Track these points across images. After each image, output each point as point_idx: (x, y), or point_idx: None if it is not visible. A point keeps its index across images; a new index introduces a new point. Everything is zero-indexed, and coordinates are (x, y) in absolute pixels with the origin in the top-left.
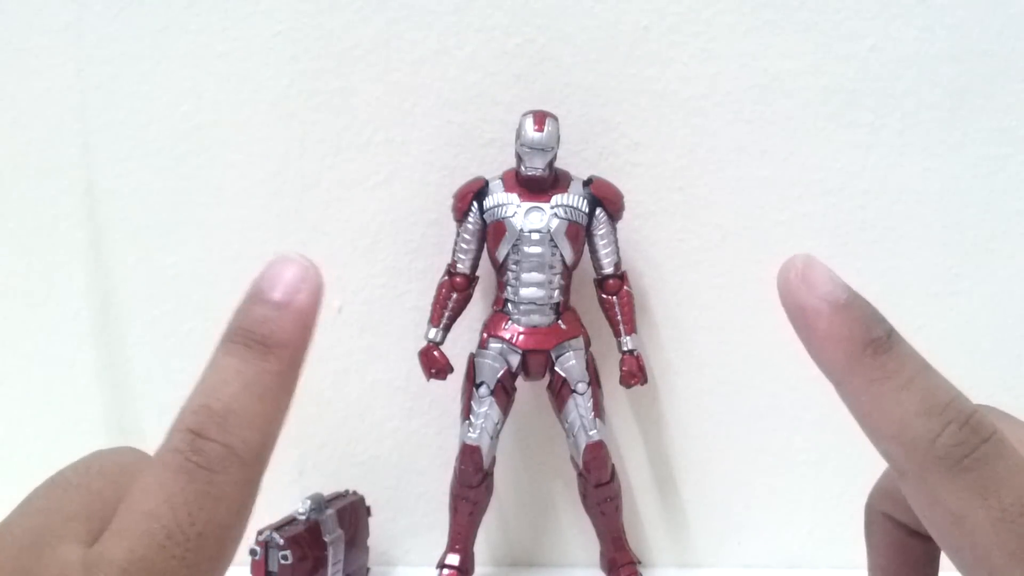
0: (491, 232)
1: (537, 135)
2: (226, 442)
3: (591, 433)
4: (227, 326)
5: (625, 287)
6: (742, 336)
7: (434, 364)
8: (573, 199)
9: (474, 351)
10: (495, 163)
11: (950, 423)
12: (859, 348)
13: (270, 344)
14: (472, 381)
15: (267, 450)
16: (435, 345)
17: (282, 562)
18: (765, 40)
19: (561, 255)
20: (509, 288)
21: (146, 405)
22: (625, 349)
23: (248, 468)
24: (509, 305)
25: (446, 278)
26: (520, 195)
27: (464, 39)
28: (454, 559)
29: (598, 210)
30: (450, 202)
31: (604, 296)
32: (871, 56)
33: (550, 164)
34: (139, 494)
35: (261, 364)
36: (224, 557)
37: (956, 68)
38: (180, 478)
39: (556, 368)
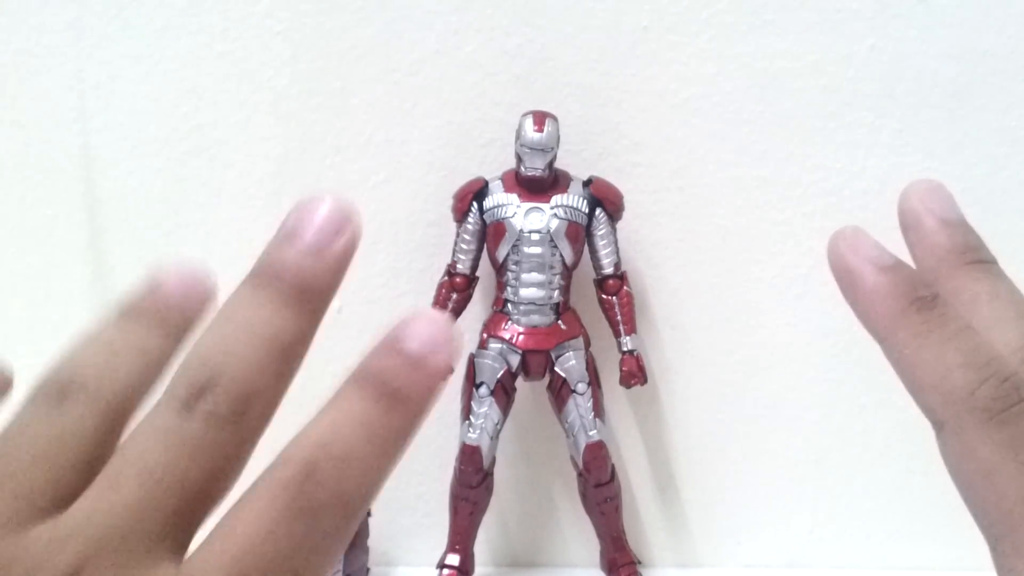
0: (491, 232)
1: (537, 135)
2: (339, 489)
3: (591, 433)
4: (360, 365)
5: (625, 287)
6: (742, 336)
7: None
8: (573, 199)
9: (474, 351)
10: (495, 163)
11: (990, 377)
12: (904, 304)
13: (401, 399)
14: (472, 381)
15: (371, 503)
16: None
17: None
18: (765, 40)
19: (561, 255)
20: (509, 288)
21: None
22: (625, 349)
23: (349, 520)
24: (509, 305)
25: (446, 278)
26: (520, 195)
27: (464, 39)
28: (454, 559)
29: (598, 210)
30: (450, 202)
31: (604, 296)
32: (871, 56)
33: (550, 164)
34: (241, 522)
35: (388, 417)
36: None
37: (956, 68)
38: (285, 518)
39: (556, 368)
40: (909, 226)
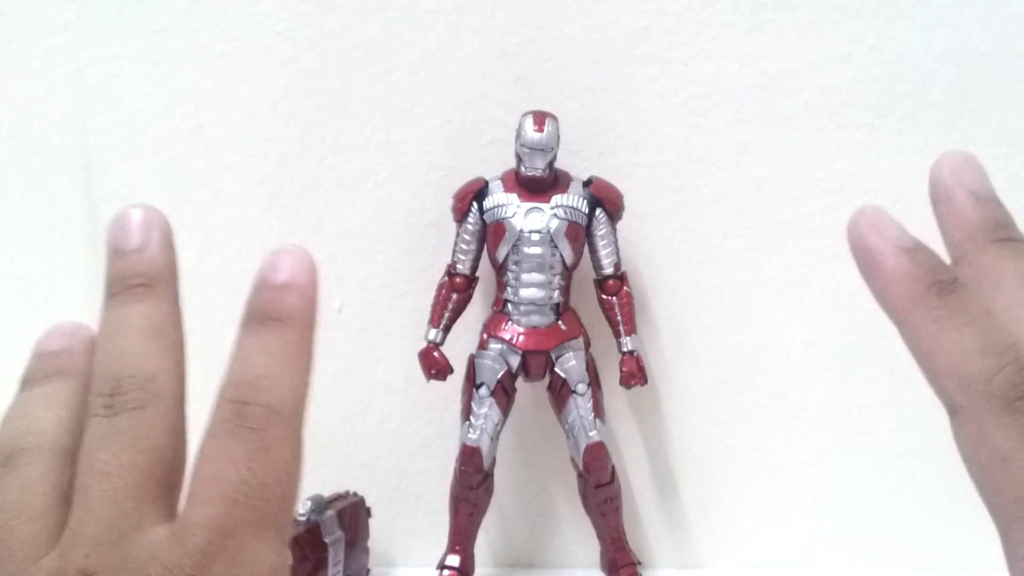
0: (491, 233)
1: (537, 135)
2: (264, 402)
3: (591, 434)
4: (242, 314)
5: (625, 287)
6: (742, 336)
7: (434, 365)
8: (573, 199)
9: (474, 352)
10: (495, 163)
11: (1009, 364)
12: (923, 287)
13: (283, 318)
14: (472, 382)
15: (301, 405)
16: (435, 346)
17: None
18: (765, 40)
19: (561, 256)
20: (509, 289)
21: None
22: (625, 350)
23: (288, 422)
24: (509, 306)
25: (446, 279)
26: (520, 195)
27: (464, 39)
28: (454, 560)
29: (598, 210)
30: (450, 202)
31: (604, 296)
32: (871, 56)
33: (550, 164)
34: (202, 464)
35: (278, 334)
36: (288, 502)
37: (956, 68)
38: (233, 441)
39: (556, 369)
40: (940, 198)
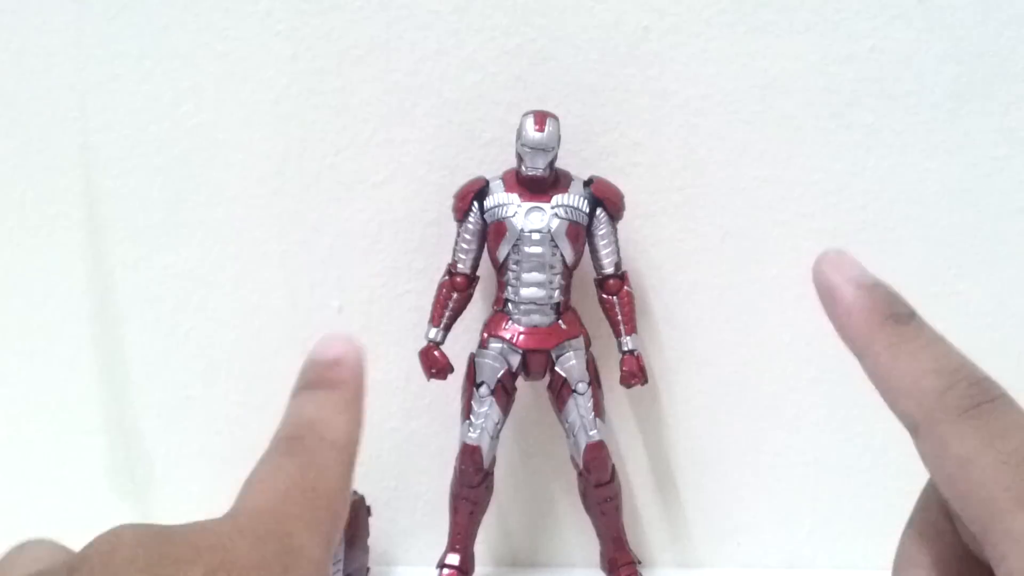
0: (491, 232)
1: (538, 135)
2: (318, 436)
3: (591, 433)
4: (295, 385)
5: (625, 287)
6: (742, 336)
7: (434, 364)
8: (574, 199)
9: (474, 351)
10: (495, 163)
11: (960, 380)
12: (881, 318)
13: (333, 384)
14: (472, 381)
15: (354, 442)
16: (435, 345)
17: None
18: (765, 40)
19: (561, 255)
20: (509, 288)
21: (146, 405)
22: (625, 349)
23: (341, 452)
24: (509, 305)
25: (446, 278)
26: (520, 195)
27: (464, 39)
28: (454, 559)
29: (598, 210)
30: (450, 202)
31: (604, 296)
32: (871, 56)
33: (551, 164)
34: (253, 474)
35: (329, 393)
36: (335, 514)
37: (956, 68)
38: (285, 458)
39: (556, 368)
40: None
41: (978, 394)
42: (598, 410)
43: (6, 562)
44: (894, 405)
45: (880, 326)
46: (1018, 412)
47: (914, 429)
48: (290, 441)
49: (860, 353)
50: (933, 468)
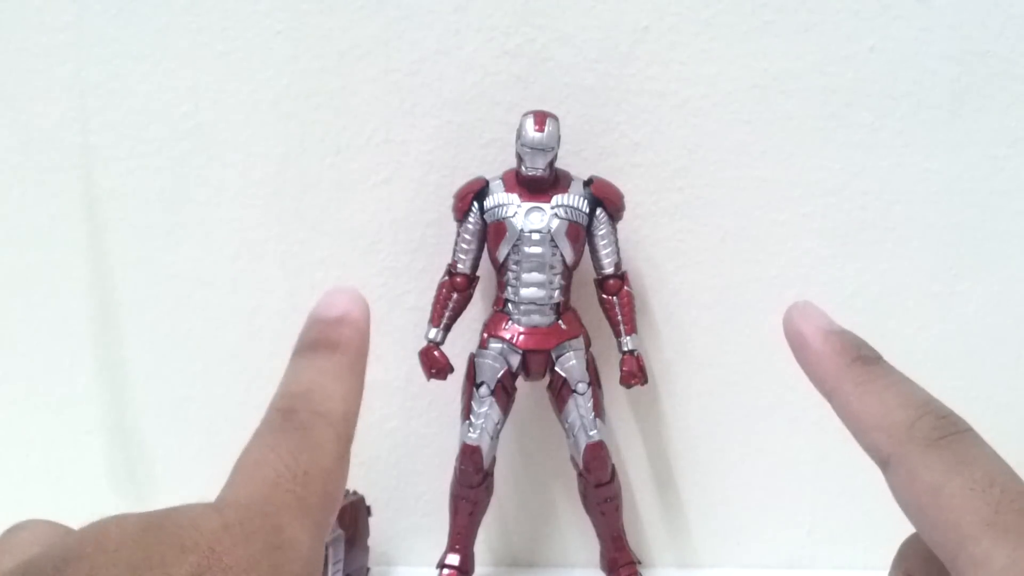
0: (491, 232)
1: (538, 135)
2: (313, 410)
3: (591, 433)
4: (297, 342)
5: (625, 287)
6: (742, 336)
7: (434, 364)
8: (573, 199)
9: (474, 351)
10: (495, 163)
11: (928, 413)
12: (848, 360)
13: (335, 345)
14: (472, 381)
15: (351, 415)
16: (435, 345)
17: None
18: (765, 40)
19: (561, 255)
20: (509, 288)
21: (146, 405)
22: (625, 349)
23: (336, 427)
24: (509, 305)
25: (446, 278)
26: (520, 195)
27: (464, 39)
28: (454, 559)
29: (598, 210)
30: (450, 202)
31: (604, 296)
32: (871, 56)
33: (551, 164)
34: (245, 454)
35: (329, 356)
36: (330, 497)
37: (956, 68)
38: (278, 436)
39: (556, 368)
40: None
41: (946, 426)
42: (598, 410)
43: (3, 542)
44: (864, 440)
45: (849, 367)
46: (984, 444)
47: (884, 462)
48: (284, 414)
49: (830, 393)
50: (904, 499)
